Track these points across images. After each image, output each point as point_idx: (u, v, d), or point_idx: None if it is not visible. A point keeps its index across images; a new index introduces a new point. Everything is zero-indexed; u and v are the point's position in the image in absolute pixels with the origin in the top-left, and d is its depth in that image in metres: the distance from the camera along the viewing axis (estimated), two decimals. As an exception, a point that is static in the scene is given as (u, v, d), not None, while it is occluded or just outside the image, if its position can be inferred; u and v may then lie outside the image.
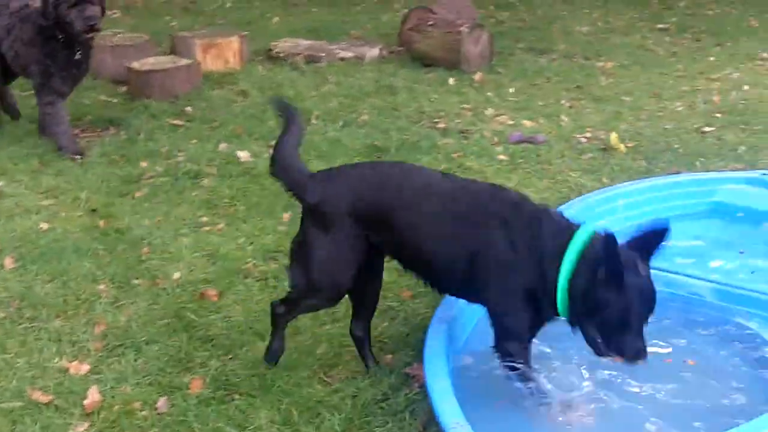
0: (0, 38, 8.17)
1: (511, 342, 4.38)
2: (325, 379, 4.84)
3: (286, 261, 6.00)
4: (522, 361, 4.37)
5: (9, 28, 8.11)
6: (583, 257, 4.12)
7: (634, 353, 4.15)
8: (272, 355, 4.92)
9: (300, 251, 4.69)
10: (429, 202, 4.47)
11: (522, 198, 4.48)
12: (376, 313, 5.39)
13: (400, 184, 4.54)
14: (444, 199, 4.47)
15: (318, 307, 4.95)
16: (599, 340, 4.19)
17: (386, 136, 8.83)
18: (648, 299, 4.10)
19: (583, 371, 4.66)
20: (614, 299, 4.02)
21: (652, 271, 4.17)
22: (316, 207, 4.56)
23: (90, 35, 7.80)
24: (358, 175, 4.70)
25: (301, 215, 4.71)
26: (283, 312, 4.83)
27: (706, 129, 9.46)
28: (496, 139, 8.94)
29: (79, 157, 7.87)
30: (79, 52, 7.89)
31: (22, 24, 8.03)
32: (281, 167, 4.70)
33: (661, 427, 4.34)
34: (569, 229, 4.25)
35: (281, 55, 11.76)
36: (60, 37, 7.75)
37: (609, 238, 3.95)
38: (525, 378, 4.39)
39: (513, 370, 4.40)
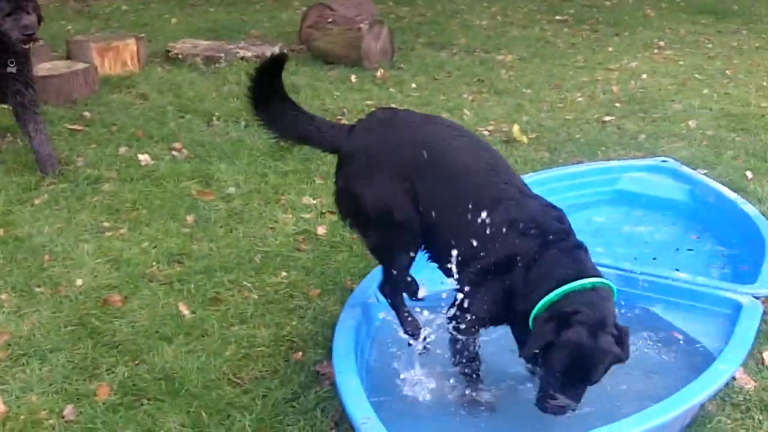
0: None
1: (469, 318, 4.38)
2: (235, 380, 4.80)
3: (191, 263, 6.01)
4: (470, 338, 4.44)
5: None
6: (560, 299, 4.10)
7: (541, 405, 4.17)
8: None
9: (358, 212, 4.61)
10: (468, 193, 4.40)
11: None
12: (284, 312, 5.40)
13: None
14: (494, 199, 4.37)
15: (408, 250, 4.61)
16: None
17: (289, 135, 8.75)
18: (580, 368, 4.03)
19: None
20: (549, 350, 4.03)
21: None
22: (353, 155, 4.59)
23: (27, 45, 7.40)
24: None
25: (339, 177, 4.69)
26: (389, 292, 4.76)
27: (607, 118, 9.59)
28: (399, 134, 8.93)
29: None
30: (14, 65, 7.42)
31: None
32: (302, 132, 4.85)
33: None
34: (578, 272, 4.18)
35: (180, 56, 11.63)
36: None
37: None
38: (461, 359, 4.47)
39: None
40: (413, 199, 4.43)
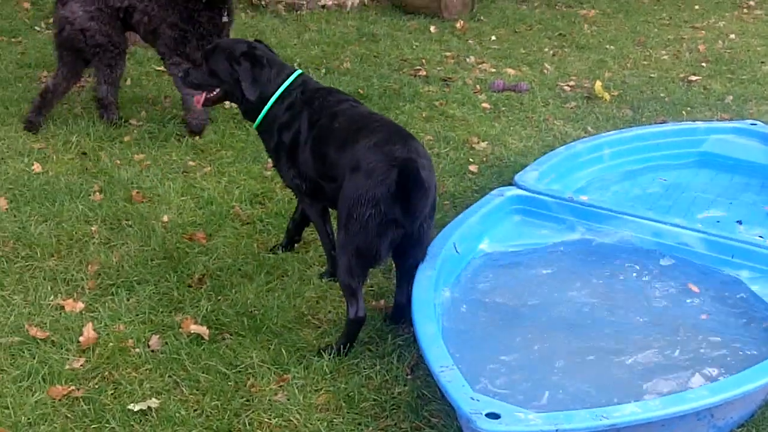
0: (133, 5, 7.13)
1: None
2: (313, 321, 4.91)
3: (272, 205, 6.11)
4: None
5: None
6: None
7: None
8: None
9: None
10: None
11: None
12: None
13: None
14: None
15: None
16: None
17: (368, 84, 8.86)
18: None
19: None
20: None
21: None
22: None
23: None
24: None
25: None
26: None
27: (693, 78, 9.52)
28: (478, 87, 8.97)
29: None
30: (227, 14, 6.99)
31: None
32: None
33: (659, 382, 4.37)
34: None
35: (263, 3, 11.77)
36: None
37: None
38: None
39: None
40: None
